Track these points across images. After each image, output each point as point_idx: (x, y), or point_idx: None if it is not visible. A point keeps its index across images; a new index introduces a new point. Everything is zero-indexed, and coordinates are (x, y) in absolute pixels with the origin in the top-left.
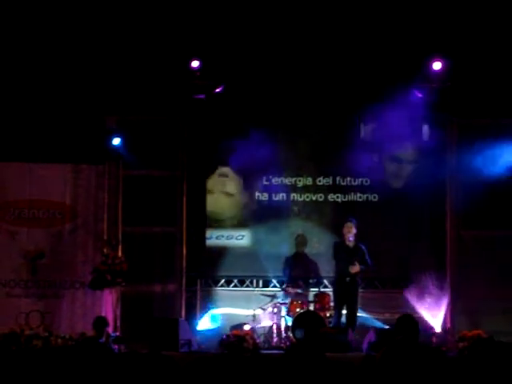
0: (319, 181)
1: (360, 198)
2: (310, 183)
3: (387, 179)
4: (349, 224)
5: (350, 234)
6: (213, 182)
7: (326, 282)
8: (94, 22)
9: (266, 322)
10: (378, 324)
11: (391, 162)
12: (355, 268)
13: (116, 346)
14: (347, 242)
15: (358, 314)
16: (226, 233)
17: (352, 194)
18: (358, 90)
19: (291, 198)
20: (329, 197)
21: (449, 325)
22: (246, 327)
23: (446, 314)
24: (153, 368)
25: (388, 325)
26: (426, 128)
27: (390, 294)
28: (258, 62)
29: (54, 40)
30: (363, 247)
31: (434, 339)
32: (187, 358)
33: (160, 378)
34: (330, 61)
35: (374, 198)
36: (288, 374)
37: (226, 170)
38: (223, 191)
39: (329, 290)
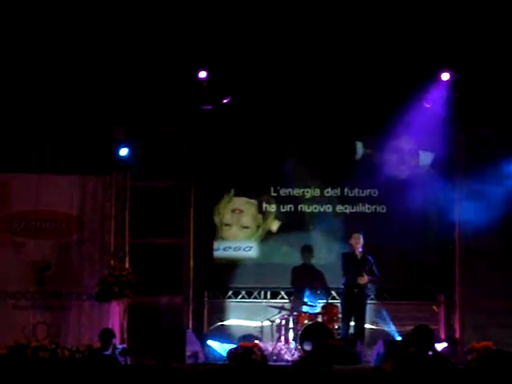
0: (327, 192)
1: (368, 209)
2: (318, 194)
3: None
4: (356, 235)
5: (359, 245)
6: (229, 217)
7: (333, 293)
8: (101, 33)
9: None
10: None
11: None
12: (364, 279)
13: (123, 358)
14: (356, 253)
15: (366, 326)
16: (233, 244)
17: (360, 205)
18: (365, 103)
19: (299, 209)
20: (337, 208)
21: (457, 336)
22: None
23: (454, 326)
24: (160, 380)
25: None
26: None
27: (397, 305)
28: (265, 73)
29: (62, 51)
30: (371, 258)
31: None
32: (194, 370)
33: None
34: (339, 71)
35: (382, 209)
36: None
37: (239, 202)
38: (240, 225)
39: (337, 302)
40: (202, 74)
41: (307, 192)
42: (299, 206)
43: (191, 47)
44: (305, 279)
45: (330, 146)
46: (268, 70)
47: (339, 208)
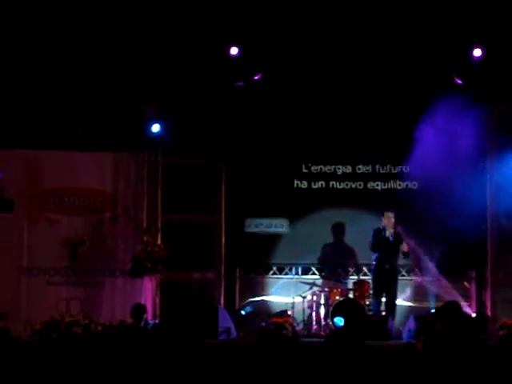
0: (358, 169)
1: (399, 185)
2: (350, 171)
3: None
4: (389, 214)
5: (390, 223)
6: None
7: (365, 269)
8: (133, 11)
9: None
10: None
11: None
12: (405, 246)
13: None
14: (388, 230)
15: (397, 303)
16: (265, 221)
17: (391, 181)
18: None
19: (330, 185)
20: (368, 185)
21: (489, 313)
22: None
23: (486, 302)
24: (195, 355)
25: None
26: None
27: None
28: (296, 49)
29: (95, 30)
30: (401, 235)
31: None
32: (227, 346)
33: (201, 364)
34: (371, 48)
35: (414, 185)
36: (328, 362)
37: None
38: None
39: (368, 278)
40: (234, 51)
41: (339, 169)
42: (331, 183)
43: (222, 24)
44: (335, 257)
45: (362, 123)
46: (299, 45)
47: (370, 185)
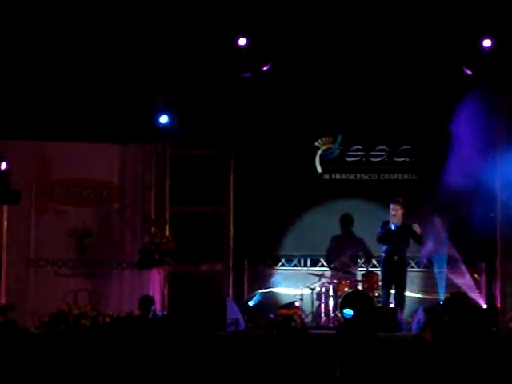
0: (370, 159)
1: (410, 177)
2: (364, 160)
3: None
4: (395, 206)
5: (397, 215)
6: None
7: (374, 261)
8: (141, 0)
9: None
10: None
11: None
12: (417, 226)
13: None
14: (396, 221)
15: (406, 294)
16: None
17: (402, 172)
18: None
19: (342, 176)
20: (381, 176)
21: (499, 305)
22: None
23: (495, 294)
24: (204, 346)
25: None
26: None
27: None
28: (305, 39)
29: (102, 20)
30: (411, 224)
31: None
32: (235, 338)
33: (210, 356)
34: (380, 39)
35: (423, 176)
36: (338, 354)
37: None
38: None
39: (377, 270)
40: (242, 41)
41: (350, 159)
42: (343, 174)
43: (230, 14)
44: (344, 249)
45: (371, 113)
46: (308, 35)
47: (382, 175)
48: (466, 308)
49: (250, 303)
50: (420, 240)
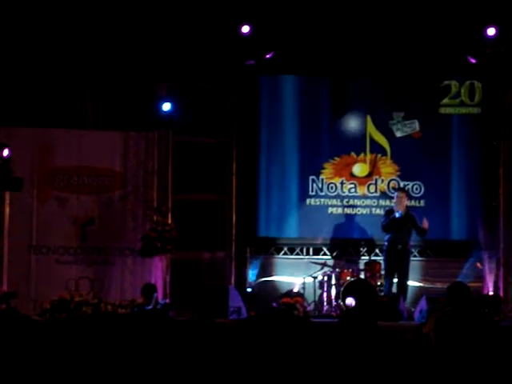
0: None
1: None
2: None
3: None
4: (400, 194)
5: (402, 203)
6: None
7: (376, 250)
8: None
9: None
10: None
11: None
12: (426, 223)
13: None
14: (398, 211)
15: (409, 283)
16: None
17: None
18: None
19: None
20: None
21: (502, 294)
22: (296, 288)
23: (498, 283)
24: (205, 334)
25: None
26: None
27: (442, 262)
28: (308, 27)
29: (104, 6)
30: (414, 214)
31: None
32: (237, 326)
33: (211, 344)
34: (383, 28)
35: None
36: (341, 343)
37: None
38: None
39: (379, 259)
40: (245, 29)
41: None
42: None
43: (234, 1)
44: (347, 232)
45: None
46: (311, 23)
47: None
48: (467, 298)
49: (248, 289)
50: (424, 234)
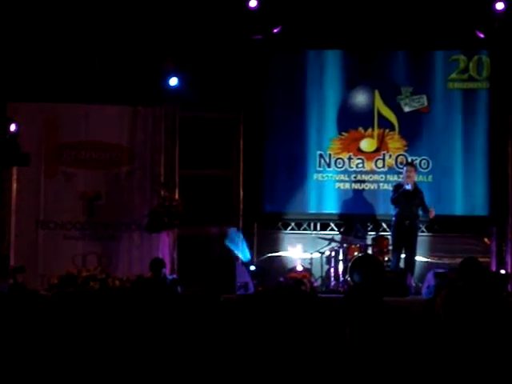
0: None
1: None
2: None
3: None
4: (410, 168)
5: (410, 178)
6: None
7: (384, 225)
8: None
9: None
10: None
11: None
12: (432, 213)
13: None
14: (406, 185)
15: (416, 259)
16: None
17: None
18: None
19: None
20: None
21: (510, 270)
22: (299, 268)
23: (506, 259)
24: (211, 310)
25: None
26: None
27: (449, 237)
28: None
29: None
30: (422, 190)
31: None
32: (244, 301)
33: (217, 319)
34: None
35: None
36: (347, 317)
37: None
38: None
39: (387, 234)
40: (253, 3)
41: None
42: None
43: None
44: (354, 207)
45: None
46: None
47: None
48: (479, 273)
49: (252, 268)
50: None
